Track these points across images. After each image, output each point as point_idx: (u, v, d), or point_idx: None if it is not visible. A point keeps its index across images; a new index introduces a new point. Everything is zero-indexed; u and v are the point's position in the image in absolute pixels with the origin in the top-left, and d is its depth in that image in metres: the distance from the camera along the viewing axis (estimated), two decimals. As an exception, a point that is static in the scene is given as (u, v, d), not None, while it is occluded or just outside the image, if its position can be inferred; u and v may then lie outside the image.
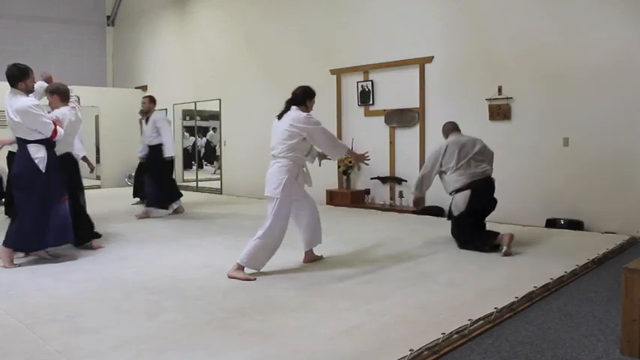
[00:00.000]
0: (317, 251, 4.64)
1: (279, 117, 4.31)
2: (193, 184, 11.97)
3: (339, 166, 8.45)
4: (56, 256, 4.85)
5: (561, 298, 3.59)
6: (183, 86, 11.78)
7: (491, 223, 6.40)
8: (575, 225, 6.05)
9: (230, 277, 4.07)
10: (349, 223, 6.61)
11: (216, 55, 10.94)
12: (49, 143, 4.60)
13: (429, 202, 7.51)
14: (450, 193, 5.15)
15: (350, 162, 8.22)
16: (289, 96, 4.35)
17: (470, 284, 3.86)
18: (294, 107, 4.28)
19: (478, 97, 6.77)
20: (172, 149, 7.33)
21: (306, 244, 4.55)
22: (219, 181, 11.14)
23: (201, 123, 13.07)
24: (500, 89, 6.74)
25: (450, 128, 5.37)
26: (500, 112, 6.73)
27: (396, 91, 7.86)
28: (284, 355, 2.67)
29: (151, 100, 7.54)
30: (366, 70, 8.22)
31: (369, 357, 2.62)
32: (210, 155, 13.23)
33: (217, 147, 11.68)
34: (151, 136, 7.36)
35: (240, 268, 4.12)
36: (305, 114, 4.23)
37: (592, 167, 6.07)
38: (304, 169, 4.41)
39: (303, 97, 4.31)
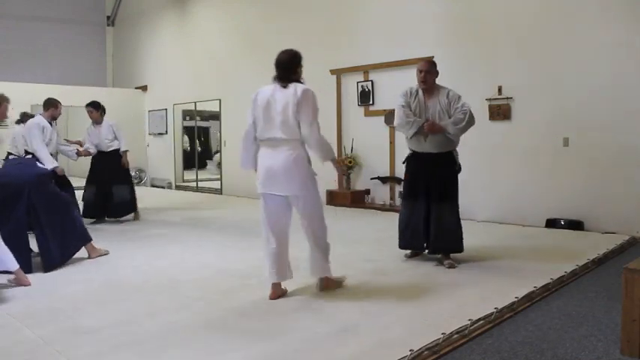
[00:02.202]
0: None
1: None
2: (193, 184, 11.97)
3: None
4: None
5: (561, 298, 3.59)
6: (184, 86, 11.77)
7: (491, 223, 6.44)
8: (575, 225, 6.04)
9: (326, 287, 3.71)
10: (349, 223, 6.61)
11: (216, 55, 10.93)
12: None
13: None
14: (455, 149, 4.64)
15: (350, 162, 8.22)
16: None
17: (470, 284, 3.85)
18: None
19: (478, 97, 6.75)
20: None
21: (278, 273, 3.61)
22: (219, 181, 11.14)
23: (201, 123, 13.07)
24: (500, 89, 6.74)
25: None
26: (500, 112, 6.73)
27: (396, 91, 7.83)
28: (284, 355, 2.67)
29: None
30: (366, 70, 8.22)
31: (369, 357, 2.62)
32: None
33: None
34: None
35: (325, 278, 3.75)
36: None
37: (592, 167, 6.06)
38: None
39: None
